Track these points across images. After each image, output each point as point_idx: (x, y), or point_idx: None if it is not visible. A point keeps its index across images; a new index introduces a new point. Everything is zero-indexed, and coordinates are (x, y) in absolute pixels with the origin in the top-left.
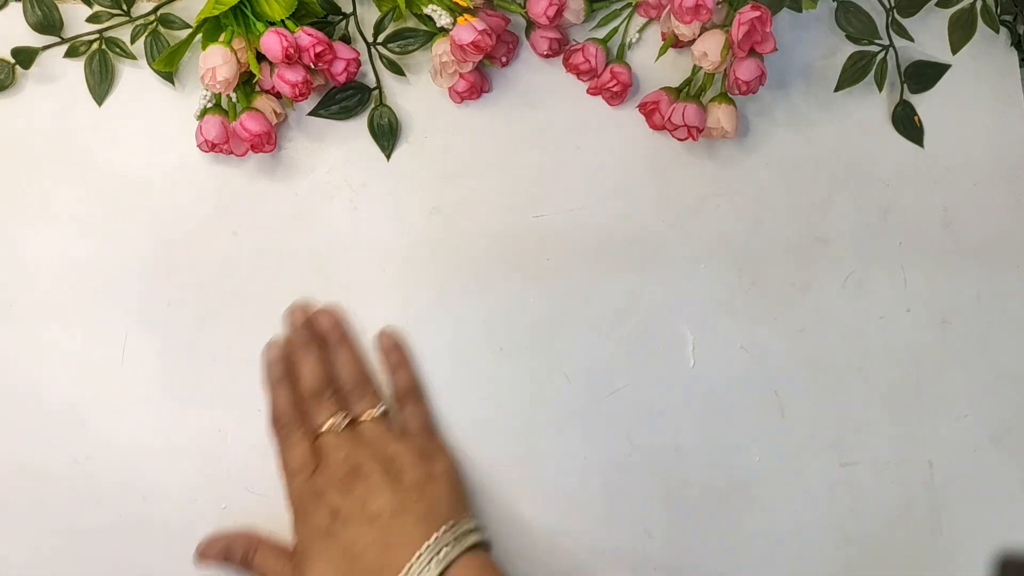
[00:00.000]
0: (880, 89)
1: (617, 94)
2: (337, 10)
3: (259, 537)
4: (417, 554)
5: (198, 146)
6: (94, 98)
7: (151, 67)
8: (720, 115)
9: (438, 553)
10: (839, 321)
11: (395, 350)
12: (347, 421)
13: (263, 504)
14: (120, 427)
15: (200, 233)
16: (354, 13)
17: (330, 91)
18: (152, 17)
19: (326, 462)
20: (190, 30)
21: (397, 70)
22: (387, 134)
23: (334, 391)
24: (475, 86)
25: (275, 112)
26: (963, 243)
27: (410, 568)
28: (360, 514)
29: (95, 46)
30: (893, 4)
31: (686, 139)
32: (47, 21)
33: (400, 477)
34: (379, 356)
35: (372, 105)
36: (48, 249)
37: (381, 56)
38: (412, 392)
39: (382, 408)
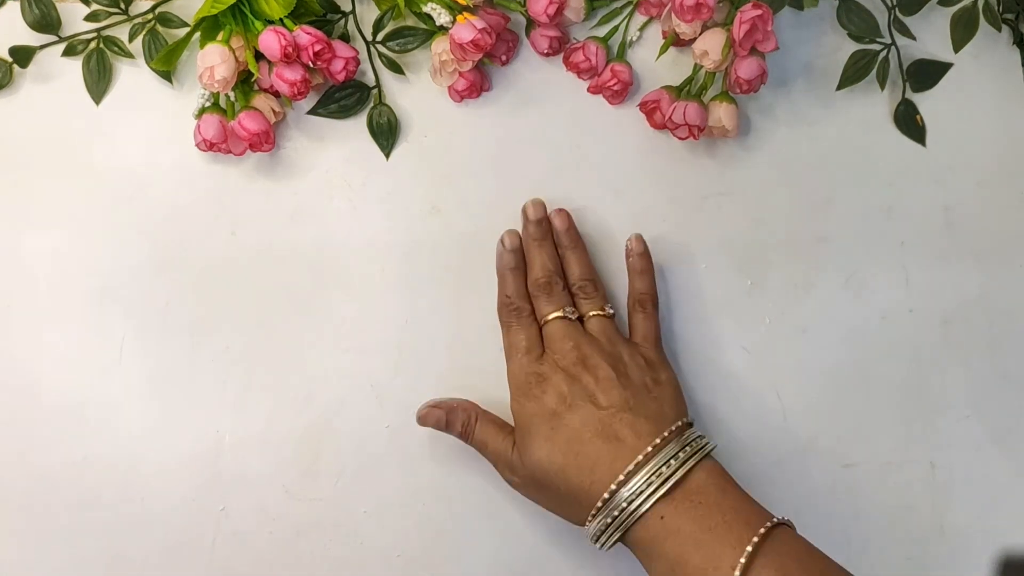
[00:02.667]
0: (882, 88)
1: (618, 93)
2: (336, 8)
3: (479, 409)
4: (650, 447)
5: (196, 145)
6: (92, 97)
7: (149, 66)
8: (721, 114)
9: (676, 454)
10: (841, 321)
11: (643, 256)
12: (575, 316)
13: (263, 504)
14: (118, 427)
15: (198, 233)
16: (353, 12)
17: (329, 90)
18: (150, 16)
19: (552, 347)
20: (188, 29)
21: (396, 69)
22: (386, 133)
23: (564, 287)
24: (475, 85)
25: (274, 111)
26: (965, 243)
27: (643, 461)
28: (588, 402)
29: (93, 45)
30: (895, 2)
31: (687, 138)
32: (45, 20)
33: (628, 375)
34: (626, 258)
35: (371, 104)
36: (46, 249)
37: (380, 55)
38: (649, 300)
39: (611, 310)
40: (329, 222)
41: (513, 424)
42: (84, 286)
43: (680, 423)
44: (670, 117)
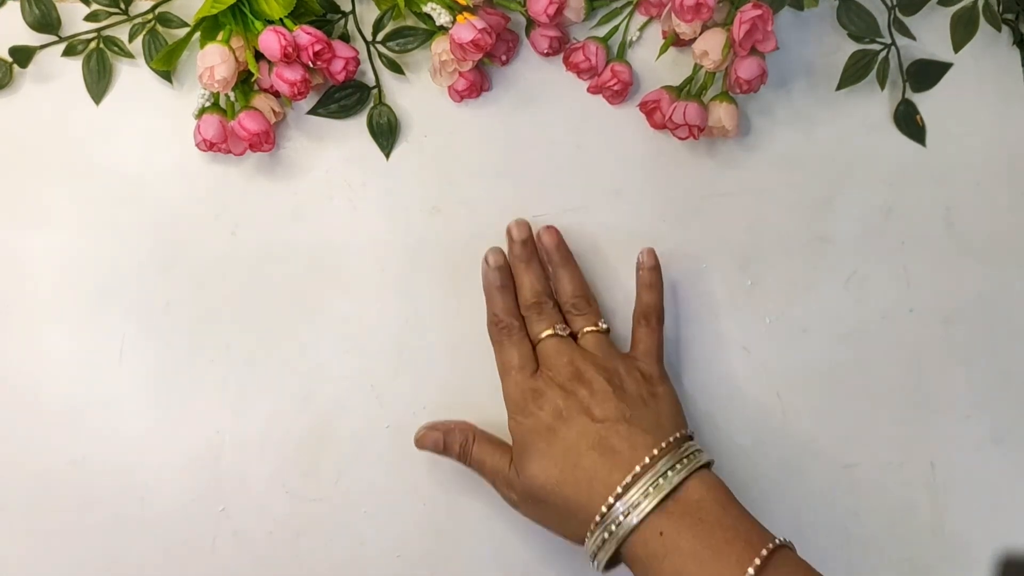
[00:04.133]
0: (882, 88)
1: (618, 93)
2: (336, 8)
3: (475, 429)
4: (647, 458)
5: (196, 145)
6: (92, 97)
7: (149, 66)
8: (721, 114)
9: (673, 466)
10: (841, 321)
11: (654, 270)
12: (567, 333)
13: (262, 505)
14: (118, 427)
15: (198, 233)
16: (353, 11)
17: (329, 90)
18: (150, 16)
19: (547, 363)
20: (188, 29)
21: (396, 69)
22: (386, 133)
23: (554, 305)
24: (475, 85)
25: (274, 111)
26: (965, 242)
27: (640, 473)
28: (583, 416)
29: (93, 45)
30: (895, 2)
31: (687, 138)
32: (45, 20)
33: (624, 388)
34: (637, 271)
35: (371, 104)
36: (46, 249)
37: (380, 55)
38: (655, 315)
39: (604, 325)
40: (329, 222)
41: (511, 443)
42: (84, 286)
43: (678, 435)
44: (670, 117)
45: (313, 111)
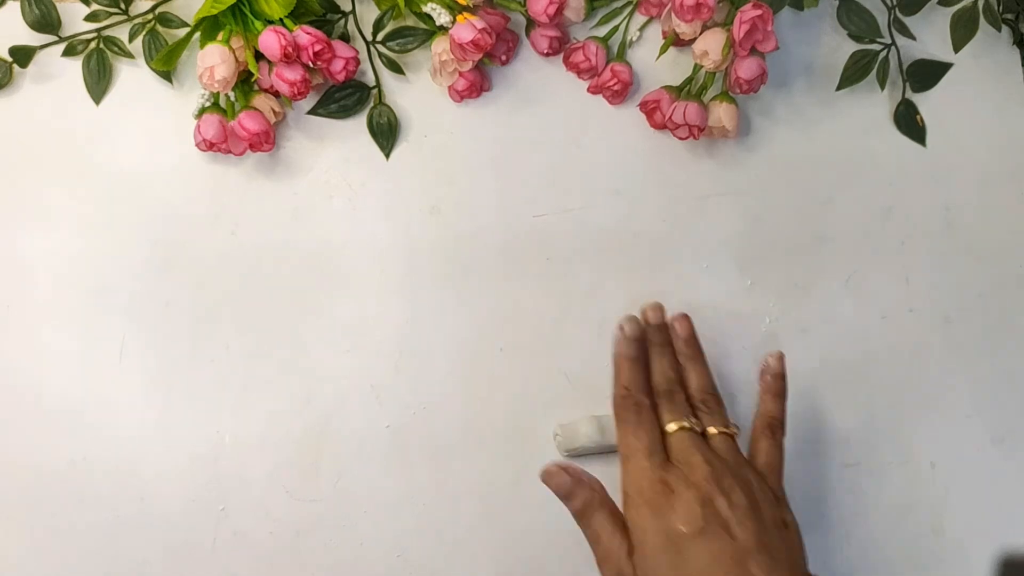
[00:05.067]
0: (882, 88)
1: (618, 93)
2: (336, 8)
3: (605, 494)
4: None
5: (196, 145)
6: (92, 97)
7: (149, 66)
8: (721, 114)
9: None
10: (841, 321)
11: (780, 378)
12: (700, 429)
13: (262, 505)
14: (118, 427)
15: (198, 232)
16: (353, 11)
17: (329, 90)
18: (150, 16)
19: (680, 458)
20: (188, 29)
21: (396, 69)
22: (386, 133)
23: (686, 399)
24: (475, 85)
25: (274, 111)
26: (965, 242)
27: None
28: (721, 531)
29: (93, 45)
30: (895, 2)
31: (687, 138)
32: (45, 20)
33: (759, 507)
34: (761, 375)
35: (371, 104)
36: (45, 249)
37: (380, 55)
38: (780, 427)
39: (736, 429)
40: (329, 222)
41: (629, 526)
42: (84, 286)
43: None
44: (670, 117)
45: (313, 111)
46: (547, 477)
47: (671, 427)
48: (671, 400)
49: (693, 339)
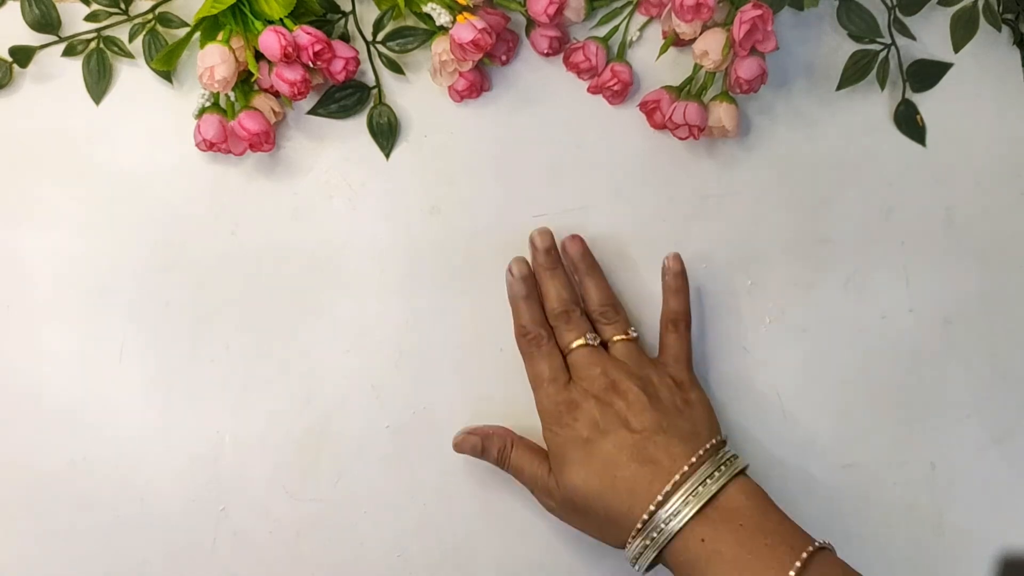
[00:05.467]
0: (882, 88)
1: (618, 93)
2: (336, 8)
3: (514, 435)
4: (686, 467)
5: (196, 145)
6: (92, 97)
7: (149, 66)
8: (721, 114)
9: (711, 473)
10: (841, 321)
11: (679, 276)
12: (598, 342)
13: (262, 505)
14: (118, 427)
15: (198, 233)
16: (353, 11)
17: (329, 90)
18: (150, 16)
19: (580, 374)
20: (188, 29)
21: (396, 69)
22: (386, 133)
23: (582, 314)
24: (475, 85)
25: (274, 111)
26: (966, 243)
27: (679, 482)
28: (621, 427)
29: (93, 45)
30: (895, 2)
31: (687, 138)
32: (45, 20)
33: (659, 397)
34: (662, 276)
35: (371, 104)
36: (45, 249)
37: (380, 55)
38: (683, 321)
39: (634, 333)
40: (329, 222)
41: (547, 450)
42: (83, 286)
43: (714, 441)
44: (670, 117)
45: (313, 111)
46: (459, 447)
47: (571, 346)
48: (568, 321)
49: (586, 255)
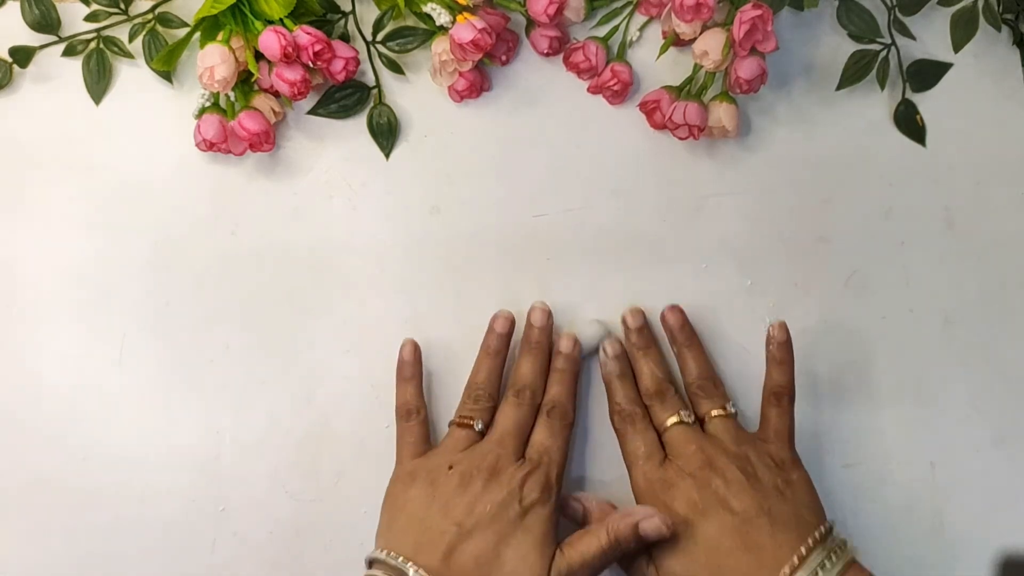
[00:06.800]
0: (882, 88)
1: (618, 93)
2: (336, 8)
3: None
4: (795, 558)
5: (196, 145)
6: (92, 97)
7: (149, 66)
8: (721, 114)
9: (822, 563)
10: (841, 321)
11: (785, 346)
12: (693, 420)
13: (262, 505)
14: (118, 427)
15: (199, 232)
16: (353, 11)
17: (329, 90)
18: (150, 16)
19: (675, 452)
20: (188, 29)
21: (396, 69)
22: (386, 133)
23: (678, 390)
24: (475, 85)
25: (274, 111)
26: (965, 243)
27: (789, 573)
28: (720, 509)
29: (93, 45)
30: (895, 2)
31: (687, 138)
32: (45, 20)
33: (757, 476)
34: (766, 345)
35: (371, 104)
36: (46, 249)
37: (380, 55)
38: (786, 395)
39: (732, 408)
40: (329, 222)
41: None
42: (84, 286)
43: (823, 529)
44: (670, 117)
45: (313, 111)
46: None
47: (666, 424)
48: (661, 399)
49: (685, 327)
